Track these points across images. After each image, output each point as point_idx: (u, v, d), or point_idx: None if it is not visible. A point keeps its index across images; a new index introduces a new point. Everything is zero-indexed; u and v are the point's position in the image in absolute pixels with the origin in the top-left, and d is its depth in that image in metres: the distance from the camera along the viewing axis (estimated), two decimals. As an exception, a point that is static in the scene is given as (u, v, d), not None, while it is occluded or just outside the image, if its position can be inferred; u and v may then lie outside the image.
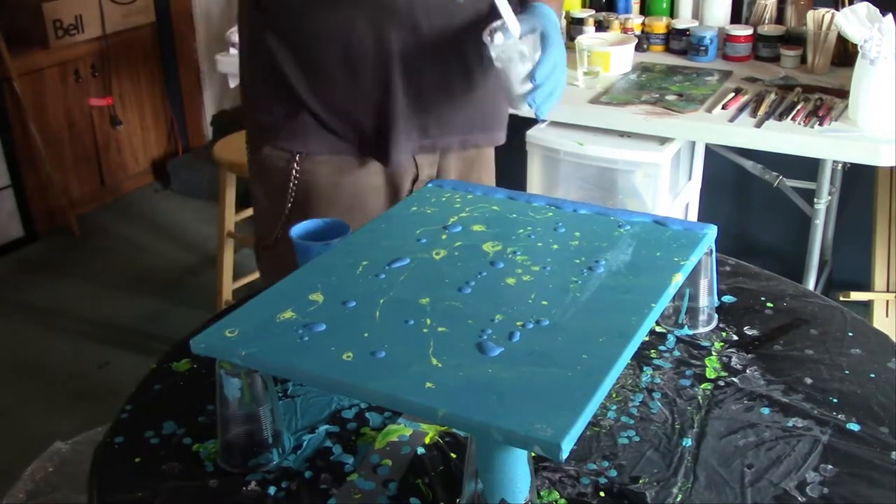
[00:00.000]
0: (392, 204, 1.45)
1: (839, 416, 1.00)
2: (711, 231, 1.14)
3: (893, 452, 0.95)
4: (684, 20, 2.58)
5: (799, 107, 2.09)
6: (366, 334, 0.93)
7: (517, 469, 0.81)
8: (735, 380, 1.07)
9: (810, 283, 2.29)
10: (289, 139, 1.42)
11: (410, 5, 1.33)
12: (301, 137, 1.41)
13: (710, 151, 2.57)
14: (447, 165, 1.53)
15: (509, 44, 1.27)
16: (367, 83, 1.38)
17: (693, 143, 2.51)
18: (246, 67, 1.48)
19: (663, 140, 2.20)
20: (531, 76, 1.26)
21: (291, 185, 1.43)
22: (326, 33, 1.35)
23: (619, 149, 2.20)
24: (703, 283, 1.16)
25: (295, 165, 1.42)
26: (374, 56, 1.36)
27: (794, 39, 2.43)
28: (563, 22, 2.65)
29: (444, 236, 1.14)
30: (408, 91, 1.38)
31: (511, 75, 1.28)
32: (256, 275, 2.88)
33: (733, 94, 2.19)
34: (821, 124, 2.01)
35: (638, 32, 2.57)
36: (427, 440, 0.98)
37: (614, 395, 1.05)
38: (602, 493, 0.90)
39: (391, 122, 1.40)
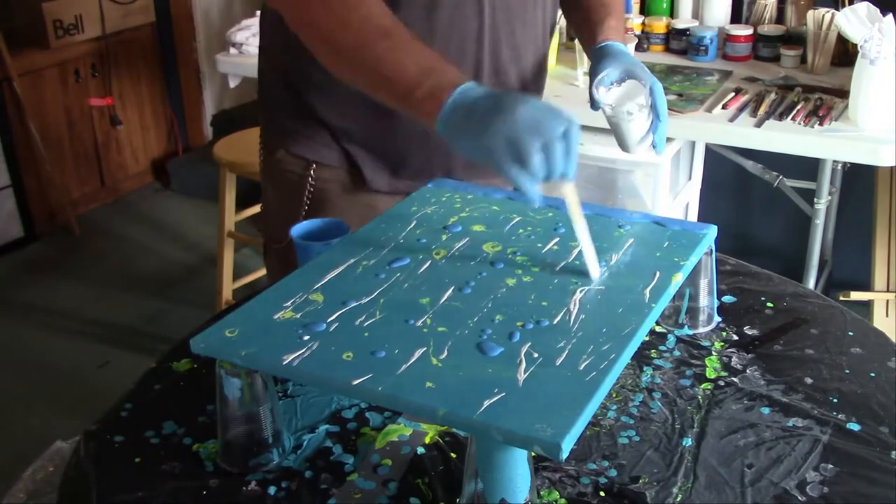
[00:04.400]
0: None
1: (839, 416, 1.00)
2: (711, 231, 1.14)
3: (893, 452, 0.95)
4: (684, 20, 2.58)
5: (799, 107, 2.09)
6: (366, 334, 0.93)
7: (517, 469, 0.81)
8: (735, 380, 1.07)
9: (810, 283, 2.29)
10: (307, 148, 1.38)
11: (479, 42, 1.29)
12: (320, 149, 1.37)
13: (710, 151, 2.57)
14: None
15: (622, 99, 1.23)
16: (405, 124, 1.30)
17: (693, 143, 2.51)
18: (267, 69, 1.43)
19: (663, 140, 2.20)
20: (653, 132, 1.24)
21: (307, 192, 1.39)
22: None
23: (618, 149, 2.20)
24: (703, 283, 1.16)
25: (311, 173, 1.38)
26: None
27: (794, 39, 2.43)
28: (561, 19, 2.65)
29: (444, 236, 1.14)
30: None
31: (627, 130, 1.25)
32: (256, 275, 2.89)
33: (733, 94, 2.19)
34: (821, 124, 2.01)
35: (638, 32, 2.57)
36: (427, 440, 0.98)
37: (614, 395, 1.05)
38: (602, 493, 0.90)
39: (411, 157, 1.36)
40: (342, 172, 1.39)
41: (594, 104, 1.25)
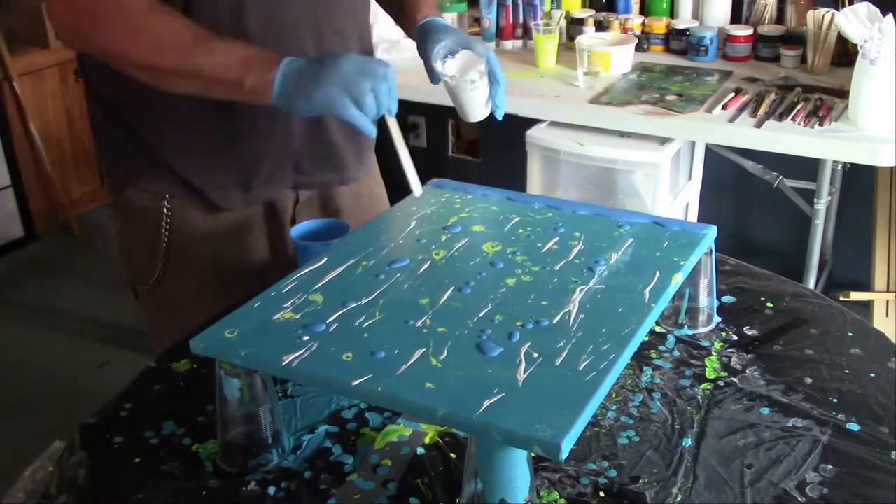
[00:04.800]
0: (277, 232, 1.40)
1: (839, 416, 1.00)
2: (711, 231, 1.14)
3: (893, 452, 0.95)
4: (684, 20, 2.58)
5: (799, 107, 2.09)
6: (366, 334, 0.93)
7: (517, 469, 0.81)
8: (735, 380, 1.07)
9: (810, 283, 2.29)
10: (153, 182, 1.34)
11: (297, 32, 1.29)
12: (167, 181, 1.33)
13: (710, 151, 2.57)
14: (334, 196, 1.48)
15: (464, 70, 1.30)
16: (235, 126, 1.31)
17: (693, 143, 2.51)
18: (95, 108, 1.37)
19: (663, 140, 2.20)
20: (493, 99, 1.31)
21: (164, 225, 1.35)
22: None
23: (618, 149, 2.20)
24: (703, 283, 1.16)
25: (165, 205, 1.34)
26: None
27: (794, 39, 2.43)
28: (561, 19, 2.65)
29: (444, 237, 1.14)
30: (284, 130, 1.33)
31: (469, 98, 1.30)
32: (256, 275, 2.88)
33: (733, 94, 2.19)
34: (821, 124, 2.01)
35: (638, 32, 2.57)
36: (427, 440, 0.98)
37: (614, 395, 1.05)
38: (602, 493, 0.90)
39: (263, 165, 1.34)
40: (199, 203, 1.35)
41: (433, 77, 1.31)
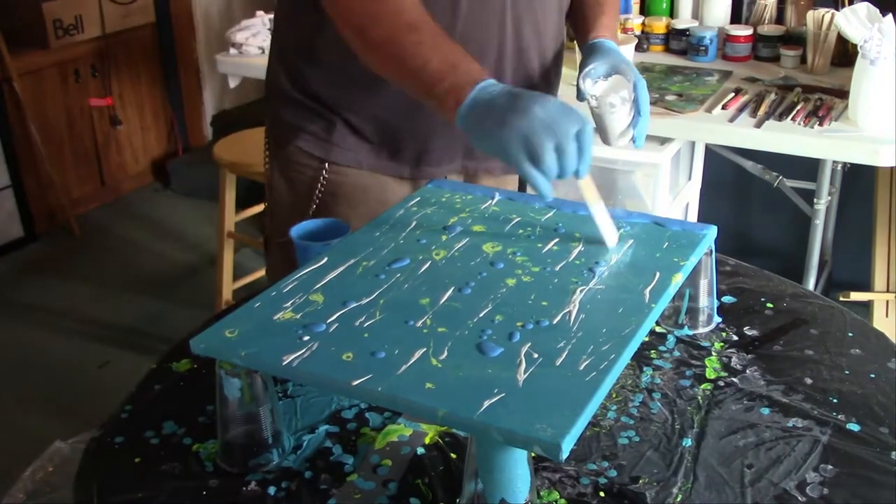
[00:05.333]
0: None
1: (839, 416, 1.00)
2: (711, 231, 1.14)
3: (893, 452, 0.95)
4: (684, 20, 2.58)
5: (799, 107, 2.09)
6: (366, 334, 0.93)
7: (517, 469, 0.81)
8: (735, 380, 1.07)
9: (810, 283, 2.29)
10: (320, 147, 1.38)
11: (503, 24, 1.31)
12: (335, 148, 1.37)
13: (710, 151, 2.57)
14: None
15: (607, 92, 1.26)
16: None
17: (693, 143, 2.51)
18: (277, 65, 1.42)
19: (663, 140, 2.20)
20: (633, 128, 1.27)
21: (319, 188, 1.39)
22: None
23: (619, 149, 2.20)
24: (703, 283, 1.16)
25: (324, 171, 1.39)
26: None
27: (794, 39, 2.43)
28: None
29: (444, 237, 1.14)
30: None
31: (609, 122, 1.27)
32: (256, 275, 2.88)
33: (733, 94, 2.19)
34: (821, 124, 2.01)
35: (638, 32, 2.57)
36: (427, 440, 0.98)
37: (614, 395, 1.05)
38: (602, 493, 0.90)
39: (436, 141, 1.37)
40: (354, 174, 1.39)
41: (580, 95, 1.30)
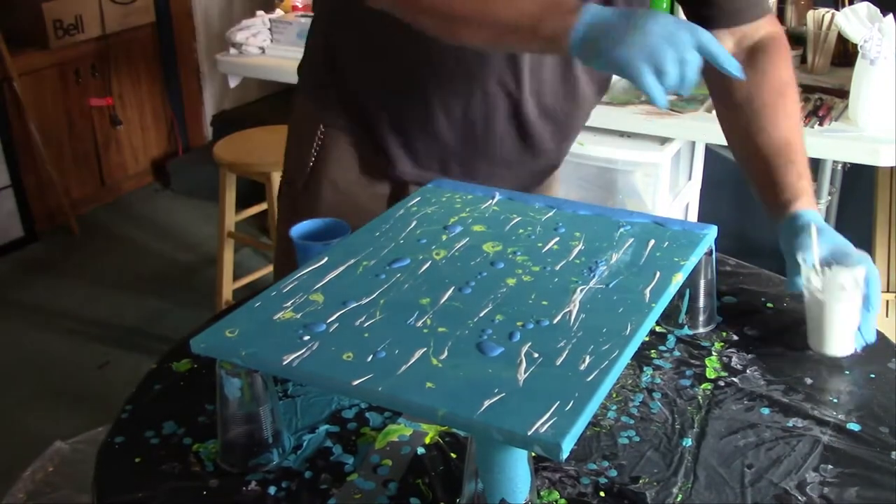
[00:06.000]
0: (395, 198, 1.44)
1: (839, 416, 1.00)
2: (711, 231, 1.14)
3: (893, 452, 0.95)
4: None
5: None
6: (366, 334, 0.93)
7: (517, 469, 0.81)
8: (735, 380, 1.07)
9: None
10: (325, 113, 1.41)
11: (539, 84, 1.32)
12: (336, 118, 1.41)
13: (710, 151, 2.57)
14: None
15: (836, 272, 1.07)
16: (448, 124, 1.36)
17: (693, 143, 2.51)
18: (311, 42, 1.46)
19: (663, 140, 2.20)
20: (861, 329, 1.10)
21: (314, 146, 1.42)
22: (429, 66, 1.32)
23: (619, 149, 2.20)
24: (703, 284, 1.16)
25: (319, 133, 1.41)
26: (478, 110, 1.34)
27: (794, 39, 2.42)
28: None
29: (444, 236, 1.14)
30: (484, 148, 1.38)
31: (830, 312, 1.07)
32: (256, 275, 2.89)
33: (733, 94, 2.18)
34: (821, 124, 2.01)
35: (638, 32, 2.57)
36: (427, 440, 0.98)
37: (614, 395, 1.05)
38: (602, 493, 0.90)
39: (448, 164, 1.40)
40: (347, 152, 1.41)
41: (791, 283, 1.13)
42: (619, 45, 1.02)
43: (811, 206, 1.17)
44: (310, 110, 1.45)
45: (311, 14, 1.52)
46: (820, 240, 1.10)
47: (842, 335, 1.08)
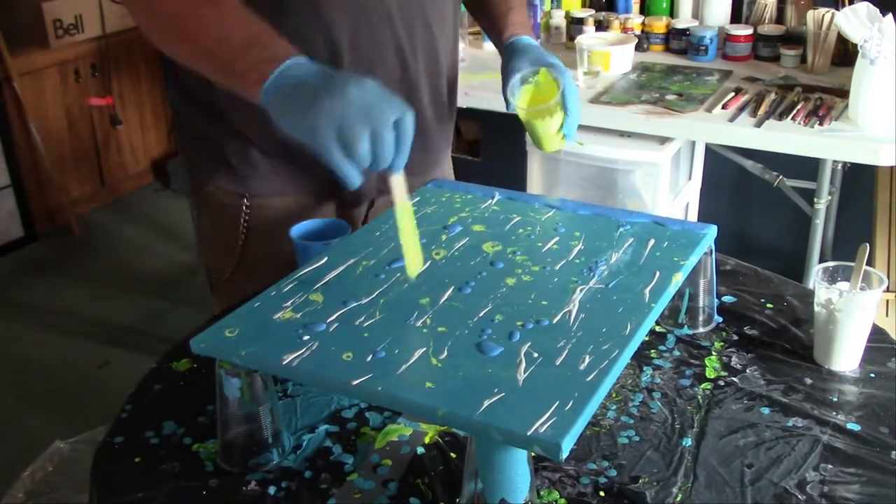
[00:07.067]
0: (349, 218, 1.38)
1: (839, 416, 1.00)
2: (711, 231, 1.14)
3: (893, 452, 0.95)
4: (684, 20, 2.58)
5: (799, 107, 2.09)
6: (366, 334, 0.93)
7: (517, 469, 0.81)
8: (735, 380, 1.07)
9: (810, 283, 2.29)
10: (238, 181, 1.31)
11: (391, 22, 1.24)
12: (252, 179, 1.31)
13: (710, 151, 2.57)
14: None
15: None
16: None
17: (693, 143, 2.51)
18: (181, 91, 1.33)
19: (663, 140, 2.20)
20: (564, 130, 1.26)
21: (242, 223, 1.33)
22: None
23: (619, 148, 2.20)
24: (703, 283, 1.16)
25: (244, 205, 1.32)
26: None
27: (794, 39, 2.43)
28: (557, 19, 2.65)
29: (444, 236, 1.14)
30: None
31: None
32: (256, 275, 2.88)
33: (733, 94, 2.19)
34: (821, 124, 2.01)
35: (638, 32, 2.57)
36: (427, 440, 0.98)
37: (614, 395, 1.05)
38: (602, 493, 0.90)
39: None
40: (278, 203, 1.33)
41: (508, 106, 1.27)
42: (308, 110, 0.91)
43: (522, 34, 1.33)
44: (224, 192, 1.33)
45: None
46: (522, 59, 1.27)
47: (850, 352, 1.09)
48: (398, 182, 0.99)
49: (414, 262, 1.03)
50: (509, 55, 1.30)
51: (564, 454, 0.76)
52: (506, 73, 1.28)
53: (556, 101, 1.24)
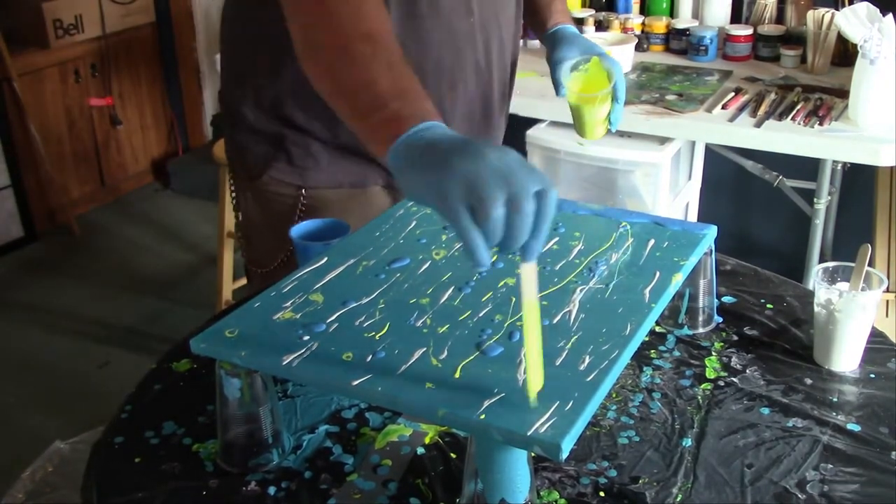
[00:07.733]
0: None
1: (839, 416, 1.00)
2: (711, 231, 1.14)
3: (893, 452, 0.95)
4: (684, 20, 2.58)
5: (799, 107, 2.09)
6: (366, 334, 0.93)
7: (517, 469, 0.81)
8: (735, 380, 1.07)
9: (810, 283, 2.29)
10: (297, 174, 1.33)
11: (472, 39, 1.29)
12: (311, 172, 1.33)
13: (710, 151, 2.57)
14: None
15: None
16: None
17: (693, 143, 2.51)
18: (238, 84, 1.34)
19: (663, 140, 2.20)
20: (610, 119, 1.31)
21: (297, 215, 1.34)
22: None
23: (619, 149, 2.20)
24: (703, 283, 1.16)
25: (301, 197, 1.34)
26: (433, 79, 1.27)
27: (794, 39, 2.43)
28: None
29: (444, 236, 1.14)
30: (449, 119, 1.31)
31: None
32: (256, 275, 2.88)
33: (733, 94, 2.19)
34: (821, 124, 2.01)
35: (638, 32, 2.57)
36: (427, 440, 0.98)
37: (614, 395, 1.05)
38: (602, 493, 0.90)
39: None
40: (334, 195, 1.35)
41: (559, 90, 1.31)
42: (440, 165, 0.80)
43: (567, 23, 1.40)
44: (280, 183, 1.34)
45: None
46: (570, 46, 1.32)
47: (850, 352, 1.09)
48: (529, 273, 0.81)
49: (535, 381, 0.81)
50: (556, 43, 1.33)
51: (564, 454, 0.76)
52: (554, 61, 1.32)
53: (609, 89, 1.28)
